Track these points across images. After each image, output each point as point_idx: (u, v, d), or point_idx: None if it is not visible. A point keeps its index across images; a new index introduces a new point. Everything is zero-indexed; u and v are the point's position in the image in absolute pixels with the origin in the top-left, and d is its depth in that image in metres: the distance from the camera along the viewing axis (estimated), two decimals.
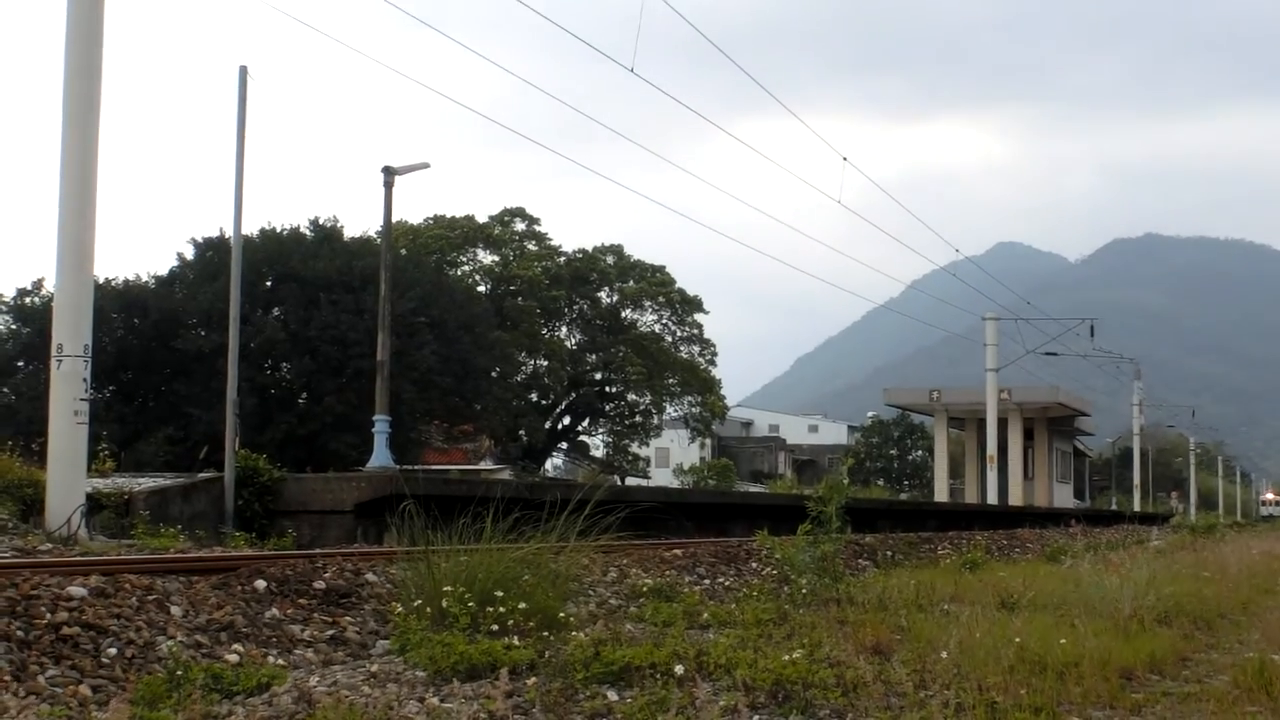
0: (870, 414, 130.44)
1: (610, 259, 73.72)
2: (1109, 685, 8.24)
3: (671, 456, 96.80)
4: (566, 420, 75.68)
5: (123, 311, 41.51)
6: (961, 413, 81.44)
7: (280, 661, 8.88)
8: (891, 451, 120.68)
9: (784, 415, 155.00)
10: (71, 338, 16.12)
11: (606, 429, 76.66)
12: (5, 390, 42.08)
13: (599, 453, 79.32)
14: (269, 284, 43.00)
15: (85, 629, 8.41)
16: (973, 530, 37.05)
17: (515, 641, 8.73)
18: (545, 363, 70.02)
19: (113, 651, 8.24)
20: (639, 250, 79.41)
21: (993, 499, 59.66)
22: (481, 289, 66.74)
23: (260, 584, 10.35)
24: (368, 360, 36.42)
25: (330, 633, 9.86)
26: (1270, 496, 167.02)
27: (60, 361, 16.08)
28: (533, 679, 7.80)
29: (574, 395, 73.32)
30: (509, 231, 71.19)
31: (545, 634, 9.20)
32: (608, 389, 74.33)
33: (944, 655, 8.74)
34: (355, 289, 41.69)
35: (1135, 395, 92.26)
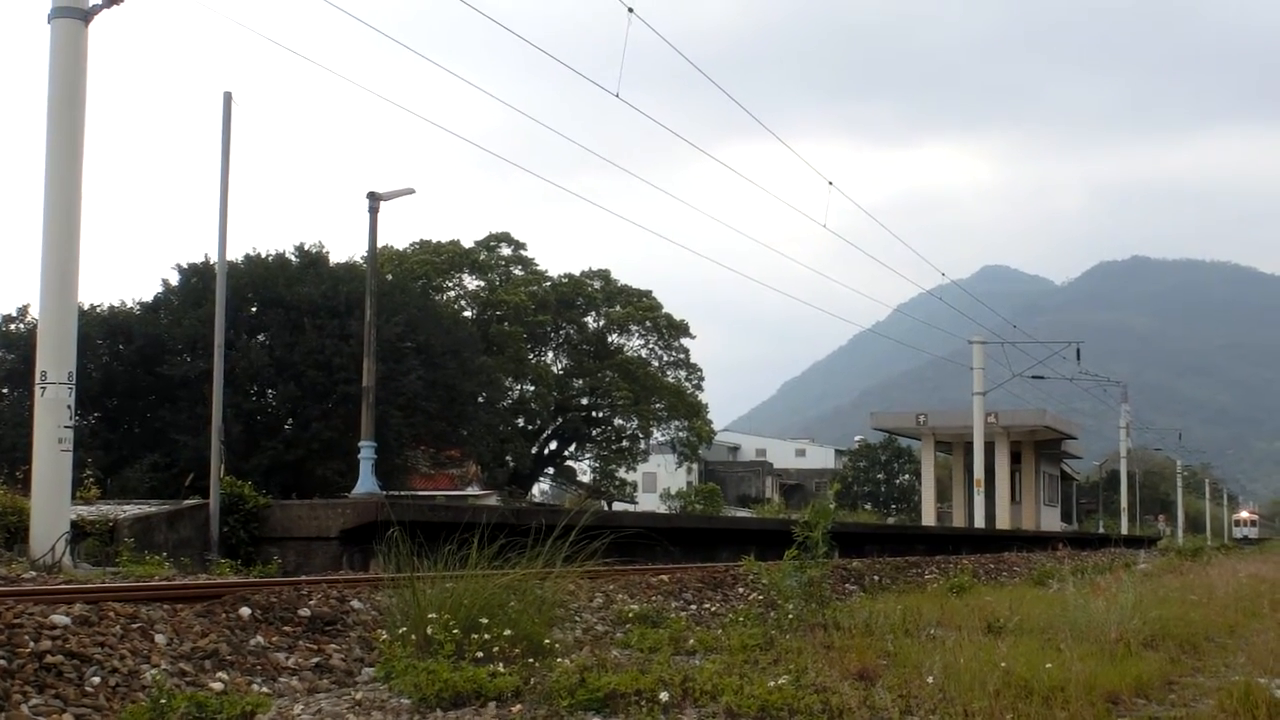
0: (857, 438, 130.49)
1: (597, 284, 73.83)
2: (1095, 710, 8.24)
3: (659, 481, 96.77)
4: (553, 445, 75.65)
5: (108, 338, 41.39)
6: (948, 436, 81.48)
7: (265, 689, 8.85)
8: (879, 475, 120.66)
9: (771, 439, 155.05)
10: (55, 365, 16.08)
11: (593, 454, 76.60)
12: None
13: (586, 478, 79.23)
14: (254, 309, 42.91)
15: (69, 657, 8.37)
16: (960, 554, 37.09)
17: (500, 669, 8.71)
18: (532, 388, 70.03)
19: (96, 680, 8.21)
20: (625, 275, 79.82)
21: (980, 522, 59.65)
22: (467, 314, 66.76)
23: (245, 611, 10.32)
24: (354, 386, 36.35)
25: (315, 660, 9.83)
26: (1244, 515, 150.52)
27: (44, 389, 16.04)
28: (517, 706, 7.79)
29: (560, 420, 73.32)
30: (495, 256, 71.25)
31: (530, 661, 9.18)
32: (594, 414, 74.31)
33: (930, 680, 8.75)
34: (341, 314, 41.62)
35: (1122, 418, 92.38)
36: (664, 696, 7.94)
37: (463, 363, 47.28)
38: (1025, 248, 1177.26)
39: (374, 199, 32.83)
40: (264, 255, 45.77)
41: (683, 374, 76.13)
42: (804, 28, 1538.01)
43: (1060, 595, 17.11)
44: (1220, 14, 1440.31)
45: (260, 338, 42.26)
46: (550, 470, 78.09)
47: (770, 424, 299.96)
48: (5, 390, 41.78)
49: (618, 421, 74.69)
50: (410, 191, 33.47)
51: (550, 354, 73.74)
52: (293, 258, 46.09)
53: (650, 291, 75.09)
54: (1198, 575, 25.53)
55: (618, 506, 69.01)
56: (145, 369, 40.23)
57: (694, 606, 15.62)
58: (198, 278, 43.45)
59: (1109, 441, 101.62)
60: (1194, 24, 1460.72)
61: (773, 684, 8.19)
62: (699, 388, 76.89)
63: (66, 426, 16.06)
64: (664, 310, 74.78)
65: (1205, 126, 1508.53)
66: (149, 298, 45.20)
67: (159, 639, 9.21)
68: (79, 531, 18.14)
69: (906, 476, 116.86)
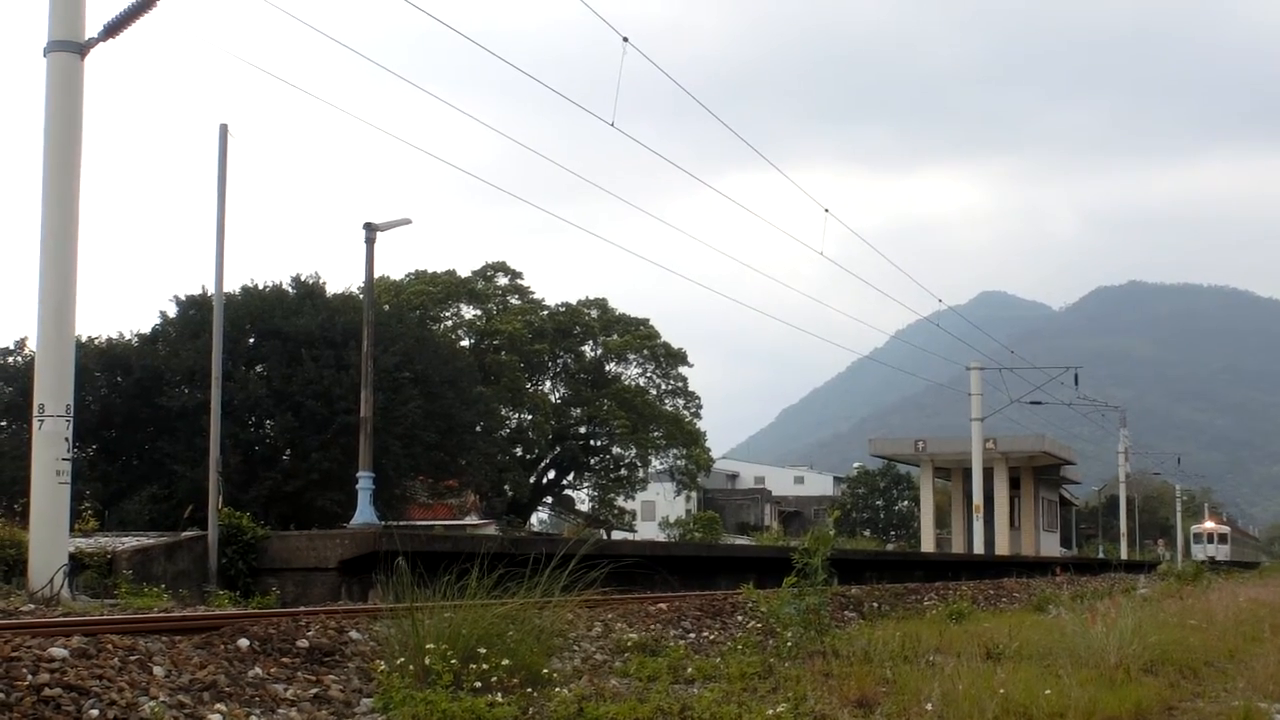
0: (856, 465, 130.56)
1: (594, 313, 73.85)
2: None
3: (657, 509, 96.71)
4: (551, 474, 75.58)
5: (106, 369, 41.38)
6: (947, 462, 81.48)
7: None
8: (878, 502, 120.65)
9: (770, 467, 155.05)
10: (53, 398, 16.08)
11: (591, 483, 76.53)
12: None
13: (584, 507, 79.15)
14: (251, 341, 42.92)
15: (67, 690, 8.36)
16: (959, 580, 37.03)
17: (499, 699, 8.70)
18: (529, 417, 69.97)
19: (94, 713, 8.19)
20: (623, 304, 79.63)
21: (979, 548, 59.64)
22: (464, 344, 66.73)
23: (243, 643, 10.30)
24: (352, 416, 36.32)
25: (314, 691, 9.81)
26: (1209, 526, 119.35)
27: (42, 421, 16.04)
28: None
29: (558, 449, 73.24)
30: (491, 286, 71.29)
31: (529, 690, 9.17)
32: (592, 443, 74.25)
33: (929, 707, 8.74)
34: (338, 345, 41.61)
35: (1121, 443, 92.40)
36: None
37: (460, 392, 47.26)
38: (1022, 274, 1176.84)
39: (370, 229, 32.85)
40: (261, 286, 45.79)
41: (680, 402, 76.12)
42: (798, 56, 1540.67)
43: (1059, 621, 17.09)
44: (1212, 39, 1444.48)
45: (258, 369, 42.25)
46: (548, 499, 78.02)
47: (769, 451, 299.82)
48: (3, 423, 41.73)
49: (616, 450, 74.64)
50: (407, 222, 33.50)
51: (548, 383, 73.74)
52: (290, 289, 46.11)
53: (647, 320, 75.14)
54: (1197, 600, 25.51)
55: (616, 535, 68.89)
56: (143, 401, 40.20)
57: (692, 635, 15.59)
58: (195, 309, 43.44)
59: (1108, 466, 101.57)
60: (1186, 49, 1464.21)
61: (771, 712, 8.18)
62: (697, 416, 76.94)
63: (64, 459, 16.06)
64: (661, 339, 74.81)
65: (1199, 151, 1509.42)
66: (147, 330, 45.20)
67: (157, 671, 9.20)
68: (77, 564, 18.12)
69: (905, 503, 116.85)
